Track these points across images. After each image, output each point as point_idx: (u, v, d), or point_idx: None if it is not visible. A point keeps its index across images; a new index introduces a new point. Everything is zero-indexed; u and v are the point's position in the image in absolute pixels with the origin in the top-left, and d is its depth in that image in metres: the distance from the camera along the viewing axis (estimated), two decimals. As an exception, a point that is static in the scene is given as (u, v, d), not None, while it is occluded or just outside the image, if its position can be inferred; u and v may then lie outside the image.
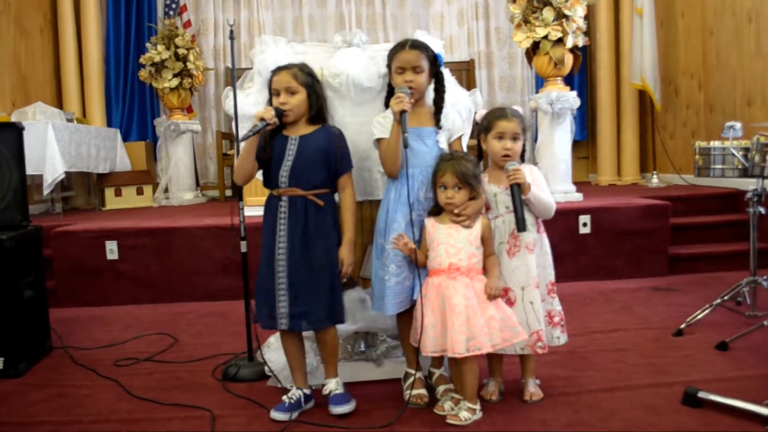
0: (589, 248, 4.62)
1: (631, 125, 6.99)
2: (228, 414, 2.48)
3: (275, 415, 2.40)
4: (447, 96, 2.55)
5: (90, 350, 3.36)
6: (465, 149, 2.61)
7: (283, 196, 2.40)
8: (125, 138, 7.08)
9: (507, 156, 2.43)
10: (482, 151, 2.58)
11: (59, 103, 6.87)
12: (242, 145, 2.39)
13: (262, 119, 2.33)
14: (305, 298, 2.37)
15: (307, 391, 2.51)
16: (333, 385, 2.48)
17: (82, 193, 6.79)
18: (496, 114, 2.48)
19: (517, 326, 2.35)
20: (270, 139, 2.42)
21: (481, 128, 2.53)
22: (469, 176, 2.35)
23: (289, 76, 2.41)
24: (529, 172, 2.45)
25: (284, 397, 2.45)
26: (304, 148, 2.40)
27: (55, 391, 2.80)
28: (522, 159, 2.54)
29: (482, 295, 2.33)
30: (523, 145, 2.51)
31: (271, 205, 2.44)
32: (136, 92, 7.33)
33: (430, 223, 2.43)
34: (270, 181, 2.45)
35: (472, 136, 2.75)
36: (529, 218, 2.43)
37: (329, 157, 2.42)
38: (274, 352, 2.81)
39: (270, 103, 2.45)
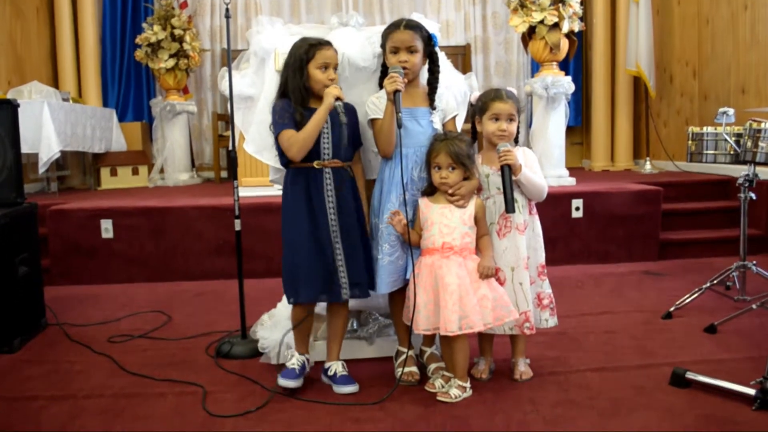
0: (581, 232, 4.65)
1: (625, 112, 6.99)
2: (220, 390, 2.51)
3: (285, 382, 2.41)
4: (442, 79, 2.57)
5: (84, 327, 3.38)
6: (459, 130, 2.62)
7: (327, 168, 2.43)
8: (121, 118, 7.06)
9: (502, 137, 2.44)
10: (476, 134, 2.59)
11: (55, 83, 6.84)
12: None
13: (338, 98, 2.37)
14: (361, 266, 2.45)
15: (308, 357, 2.54)
16: (340, 368, 2.51)
17: (78, 173, 6.78)
18: (491, 95, 2.49)
19: (509, 305, 2.37)
20: (303, 113, 2.41)
21: (476, 110, 2.54)
22: (462, 156, 2.36)
23: (335, 53, 2.46)
24: (521, 154, 2.47)
25: (289, 364, 2.48)
26: (336, 122, 2.41)
27: (49, 366, 2.82)
28: (516, 141, 2.56)
29: (475, 275, 2.35)
30: (517, 128, 2.53)
31: (311, 179, 2.43)
32: (132, 73, 7.29)
33: (423, 202, 2.45)
34: (308, 154, 2.41)
35: (466, 120, 2.76)
36: (520, 200, 2.46)
37: (353, 132, 2.48)
38: (266, 330, 2.83)
39: (305, 74, 2.42)
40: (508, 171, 2.36)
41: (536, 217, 2.56)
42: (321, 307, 2.66)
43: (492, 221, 2.48)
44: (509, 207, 2.36)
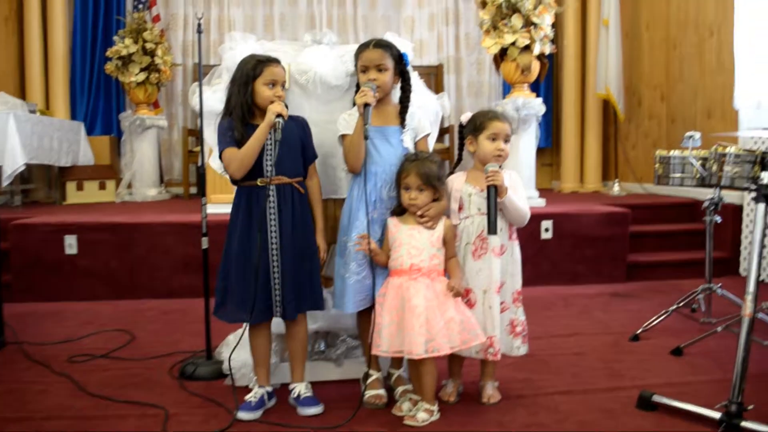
0: (551, 253, 4.68)
1: (595, 134, 7.09)
2: (183, 412, 2.45)
3: (242, 415, 2.37)
4: (415, 98, 2.56)
5: (45, 346, 3.29)
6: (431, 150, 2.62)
7: (270, 185, 2.39)
8: (89, 131, 6.95)
9: (500, 156, 2.43)
10: (462, 153, 2.58)
11: (22, 94, 6.72)
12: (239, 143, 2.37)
13: (280, 115, 2.32)
14: (298, 284, 2.40)
15: (270, 389, 2.50)
16: (303, 389, 2.47)
17: (43, 186, 6.65)
18: (489, 115, 2.48)
19: (476, 328, 2.35)
20: (243, 130, 2.37)
21: (471, 129, 2.51)
22: (432, 177, 2.35)
23: (283, 70, 2.44)
24: (507, 177, 2.45)
25: (248, 397, 2.44)
26: (283, 138, 2.37)
27: (6, 387, 2.74)
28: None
29: (442, 296, 2.33)
30: None
31: (253, 196, 2.40)
32: (102, 85, 7.20)
33: (392, 222, 2.43)
34: (251, 172, 2.39)
35: (439, 140, 2.76)
36: (499, 223, 2.42)
37: (304, 146, 2.46)
38: (232, 350, 2.78)
39: (250, 90, 2.38)
40: (493, 192, 2.35)
41: (516, 243, 2.54)
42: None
43: (468, 241, 2.46)
44: (491, 228, 2.34)
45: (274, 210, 2.39)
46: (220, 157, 2.42)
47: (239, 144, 2.36)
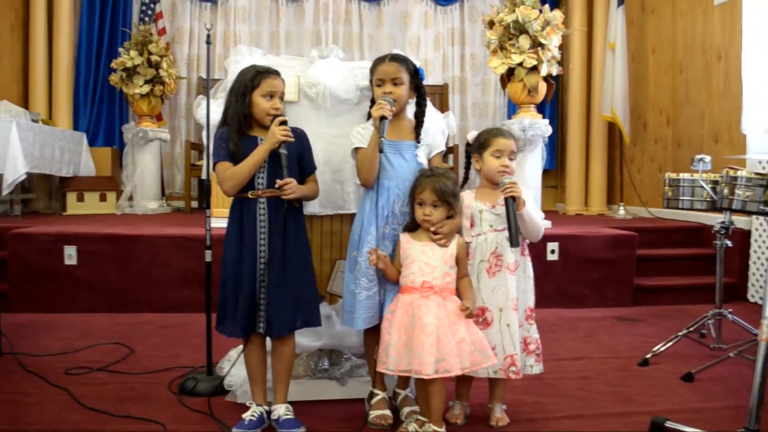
0: (556, 275, 4.62)
1: (600, 157, 7.07)
2: (182, 428, 2.39)
3: None
4: (428, 114, 2.53)
5: (41, 357, 3.22)
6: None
7: (261, 198, 2.34)
8: (91, 143, 6.93)
9: (505, 173, 2.39)
10: (467, 172, 2.55)
11: (25, 103, 6.71)
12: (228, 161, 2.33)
13: (282, 143, 2.30)
14: (282, 301, 2.33)
15: (267, 408, 2.43)
16: (283, 411, 2.39)
17: (43, 196, 6.61)
18: (493, 132, 2.46)
19: (487, 350, 2.29)
20: (239, 141, 2.33)
21: (476, 147, 2.49)
22: (447, 194, 2.30)
23: (282, 82, 2.39)
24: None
25: (245, 415, 2.37)
26: (276, 159, 2.33)
27: (1, 398, 2.67)
28: None
29: (454, 316, 2.27)
30: None
31: (245, 209, 2.35)
32: (106, 97, 7.19)
33: (405, 238, 2.38)
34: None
35: (443, 159, 2.72)
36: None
37: (301, 158, 2.41)
38: (234, 366, 2.72)
39: (248, 101, 2.34)
40: (512, 204, 2.30)
41: (528, 258, 2.50)
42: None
43: (482, 258, 2.41)
44: (514, 241, 2.28)
45: (265, 223, 2.34)
46: (214, 168, 2.37)
47: (233, 155, 2.31)
